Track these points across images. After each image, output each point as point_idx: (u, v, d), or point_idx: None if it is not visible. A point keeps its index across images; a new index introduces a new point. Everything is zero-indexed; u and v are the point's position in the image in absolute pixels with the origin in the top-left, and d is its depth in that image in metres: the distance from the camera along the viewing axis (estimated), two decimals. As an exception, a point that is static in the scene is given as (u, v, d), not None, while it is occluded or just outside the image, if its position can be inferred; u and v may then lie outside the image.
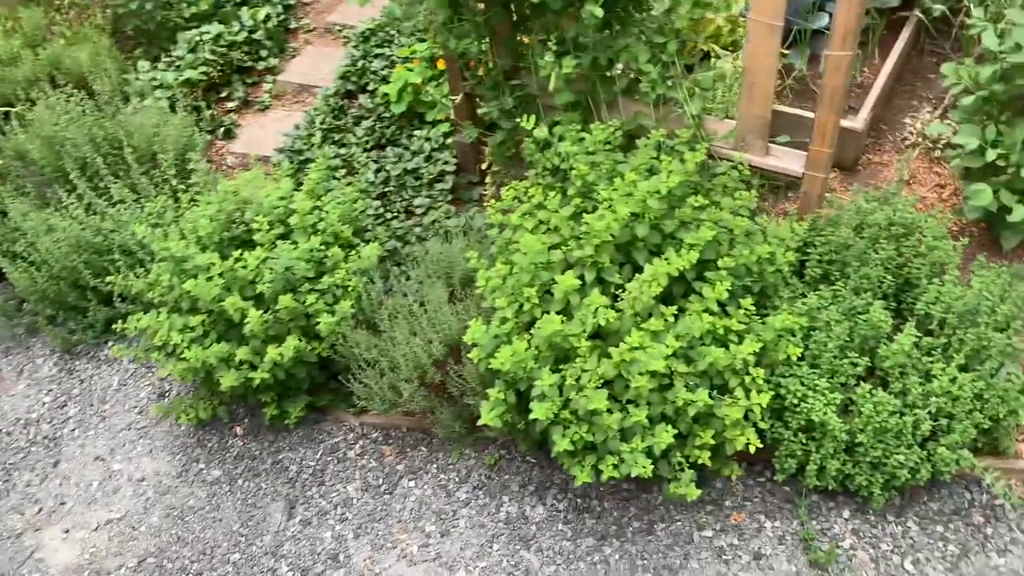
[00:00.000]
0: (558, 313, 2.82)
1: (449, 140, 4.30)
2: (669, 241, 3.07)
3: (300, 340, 3.08)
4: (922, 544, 3.04)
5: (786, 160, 3.46)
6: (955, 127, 3.62)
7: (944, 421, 2.96)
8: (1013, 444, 3.12)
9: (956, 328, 3.08)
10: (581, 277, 2.91)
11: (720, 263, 2.99)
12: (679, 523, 3.16)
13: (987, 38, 3.29)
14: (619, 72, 3.54)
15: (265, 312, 3.05)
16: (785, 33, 3.54)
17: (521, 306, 2.81)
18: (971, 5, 3.79)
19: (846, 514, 3.15)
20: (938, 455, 2.92)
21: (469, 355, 2.79)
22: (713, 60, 4.30)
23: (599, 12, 2.97)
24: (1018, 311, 3.17)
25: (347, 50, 5.06)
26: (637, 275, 2.87)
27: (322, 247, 3.20)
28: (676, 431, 2.75)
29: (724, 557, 3.07)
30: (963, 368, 3.05)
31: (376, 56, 4.86)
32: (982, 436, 3.06)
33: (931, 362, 3.03)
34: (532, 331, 2.75)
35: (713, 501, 3.21)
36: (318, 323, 3.05)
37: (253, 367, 3.07)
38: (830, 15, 4.48)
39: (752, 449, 2.79)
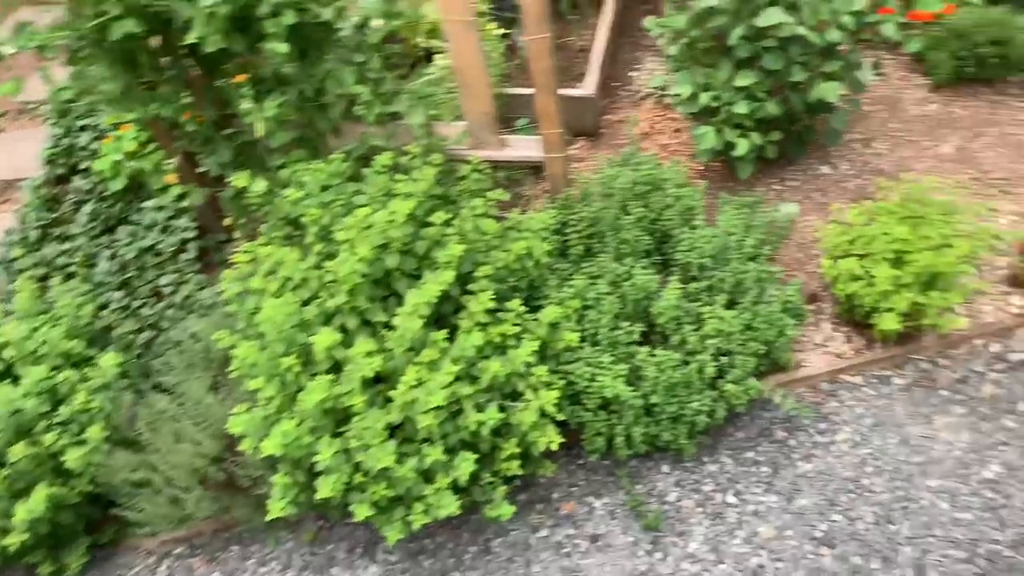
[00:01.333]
0: (328, 372, 2.68)
1: (184, 203, 3.98)
2: (426, 262, 2.99)
3: (53, 485, 2.73)
4: (738, 474, 3.19)
5: (524, 148, 3.48)
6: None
7: (725, 359, 3.11)
8: (791, 357, 3.34)
9: (713, 269, 3.23)
10: (343, 328, 2.77)
11: (479, 271, 2.95)
12: (514, 532, 3.14)
13: (673, -11, 3.44)
14: (334, 97, 3.40)
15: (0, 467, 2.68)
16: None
17: (284, 380, 2.63)
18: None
19: (665, 468, 3.25)
20: (728, 391, 3.07)
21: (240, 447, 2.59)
22: (436, 57, 4.25)
23: (284, 48, 2.81)
24: (763, 237, 3.39)
25: (48, 130, 4.55)
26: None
27: (52, 373, 2.85)
28: (478, 454, 2.70)
29: (564, 550, 3.09)
30: (730, 304, 3.21)
31: (82, 130, 4.40)
32: (763, 360, 3.25)
33: (700, 307, 3.17)
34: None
35: (542, 498, 3.22)
36: (66, 460, 2.71)
37: (4, 531, 2.70)
38: (538, -13, 4.55)
39: (554, 446, 2.79)
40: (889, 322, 3.02)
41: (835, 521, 2.94)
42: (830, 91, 3.17)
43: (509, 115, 4.19)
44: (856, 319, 3.32)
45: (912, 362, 3.30)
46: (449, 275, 2.83)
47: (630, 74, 4.49)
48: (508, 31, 4.41)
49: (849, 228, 3.23)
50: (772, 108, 3.31)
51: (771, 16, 3.02)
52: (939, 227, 3.11)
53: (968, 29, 3.82)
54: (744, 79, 3.22)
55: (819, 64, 3.25)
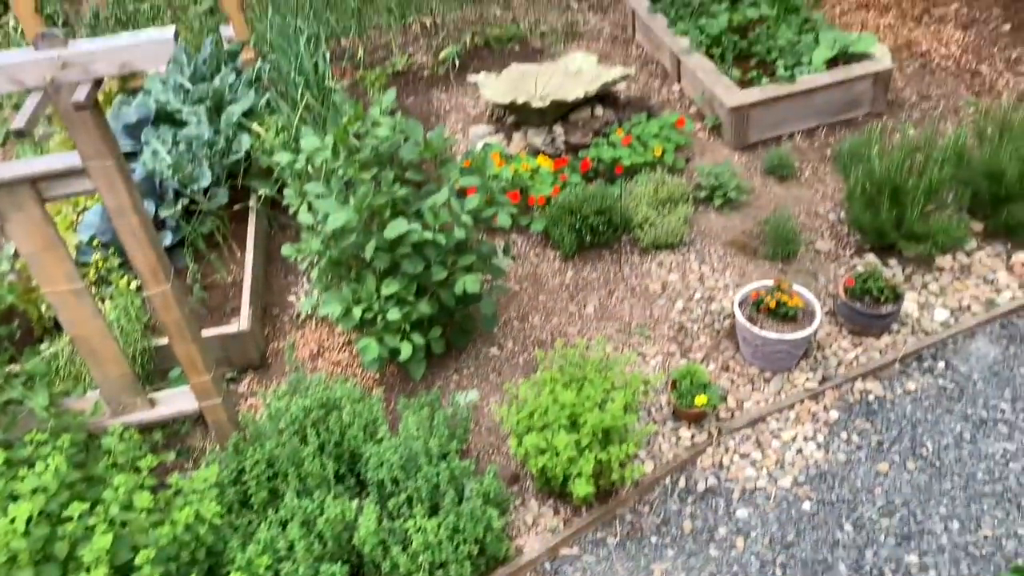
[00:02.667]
0: None
1: None
2: (73, 564, 2.51)
3: None
4: None
5: (177, 402, 3.19)
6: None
7: (440, 572, 2.96)
8: (509, 546, 3.28)
9: (407, 480, 3.13)
10: None
11: (140, 558, 2.54)
12: None
13: (302, 215, 3.52)
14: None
15: None
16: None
17: None
18: (287, 184, 4.06)
19: None
20: (452, 605, 2.89)
21: None
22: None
23: None
24: (450, 431, 3.39)
25: None
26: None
27: None
28: None
29: None
30: (433, 511, 3.11)
31: None
32: (480, 559, 3.15)
33: (403, 524, 3.02)
34: None
35: None
36: None
37: None
38: (172, 231, 4.42)
39: None
40: (582, 487, 3.12)
41: None
42: (471, 283, 3.38)
43: (163, 367, 3.88)
44: (556, 490, 3.40)
45: (618, 517, 3.41)
46: (101, 573, 2.39)
47: (289, 298, 4.45)
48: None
49: (524, 403, 3.36)
50: (424, 308, 3.43)
51: (397, 227, 3.19)
52: (599, 384, 3.35)
53: (576, 204, 4.39)
54: (390, 287, 3.32)
55: (456, 260, 3.47)
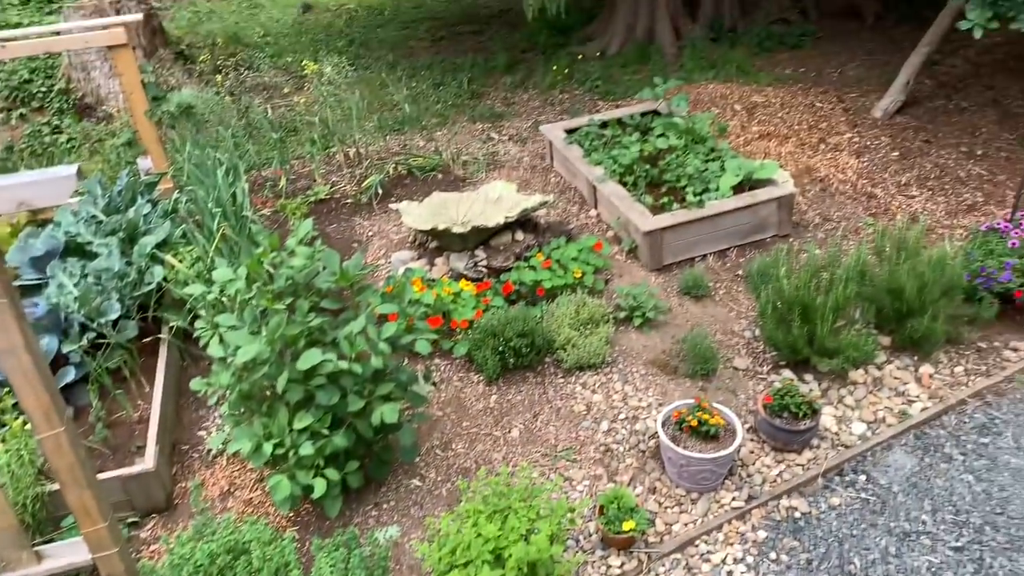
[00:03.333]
0: None
1: None
2: None
3: None
4: None
5: (68, 554, 2.96)
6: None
7: None
8: None
9: (321, 629, 2.93)
10: None
11: None
12: None
13: (213, 347, 3.43)
14: None
15: None
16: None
17: None
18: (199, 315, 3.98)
19: None
20: None
21: None
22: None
23: None
24: (369, 571, 3.22)
25: None
26: None
27: None
28: None
29: None
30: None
31: None
32: None
33: None
34: None
35: None
36: None
37: None
38: (76, 366, 4.24)
39: None
40: (507, 626, 2.97)
41: None
42: (390, 413, 3.31)
43: (57, 514, 3.61)
44: (481, 631, 3.22)
45: (546, 656, 3.24)
46: None
47: (199, 433, 4.26)
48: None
49: (446, 538, 3.23)
50: (340, 441, 3.32)
51: (311, 357, 3.13)
52: (524, 514, 3.26)
53: (499, 327, 4.41)
54: (302, 421, 3.22)
55: (374, 389, 3.40)
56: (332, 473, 3.32)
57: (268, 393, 3.37)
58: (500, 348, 4.40)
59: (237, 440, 3.34)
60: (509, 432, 4.22)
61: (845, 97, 7.25)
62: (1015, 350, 4.64)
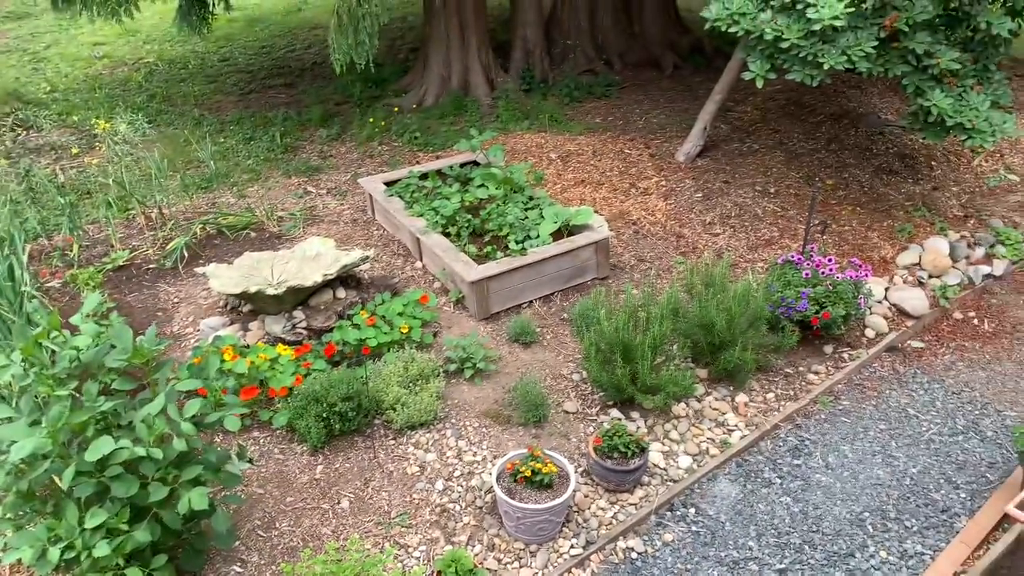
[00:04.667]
0: None
1: None
2: None
3: None
4: None
5: None
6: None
7: None
8: None
9: None
10: None
11: None
12: None
13: (-18, 444, 3.02)
14: None
15: None
16: None
17: None
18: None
19: None
20: None
21: None
22: None
23: None
24: None
25: None
26: None
27: None
28: None
29: None
30: None
31: None
32: None
33: None
34: None
35: None
36: None
37: None
38: None
39: None
40: None
41: None
42: (198, 499, 3.05)
43: None
44: None
45: None
46: None
47: (-26, 544, 3.74)
48: None
49: (270, 630, 3.00)
50: (142, 536, 3.01)
51: (102, 446, 2.83)
52: (354, 592, 3.10)
53: (322, 392, 4.23)
54: (96, 518, 2.89)
55: (179, 474, 3.13)
56: (135, 573, 3.00)
57: (53, 490, 3.00)
58: (324, 414, 4.21)
59: (16, 549, 2.94)
60: (338, 503, 4.03)
61: (651, 143, 7.74)
62: (816, 373, 5.05)
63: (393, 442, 4.38)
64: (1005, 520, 3.90)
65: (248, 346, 4.73)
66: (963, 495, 4.21)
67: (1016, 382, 5.05)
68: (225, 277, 4.98)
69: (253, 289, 4.70)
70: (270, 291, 4.74)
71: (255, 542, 3.79)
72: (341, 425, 4.26)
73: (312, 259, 5.26)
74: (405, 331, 4.88)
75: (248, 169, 7.58)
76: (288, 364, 4.49)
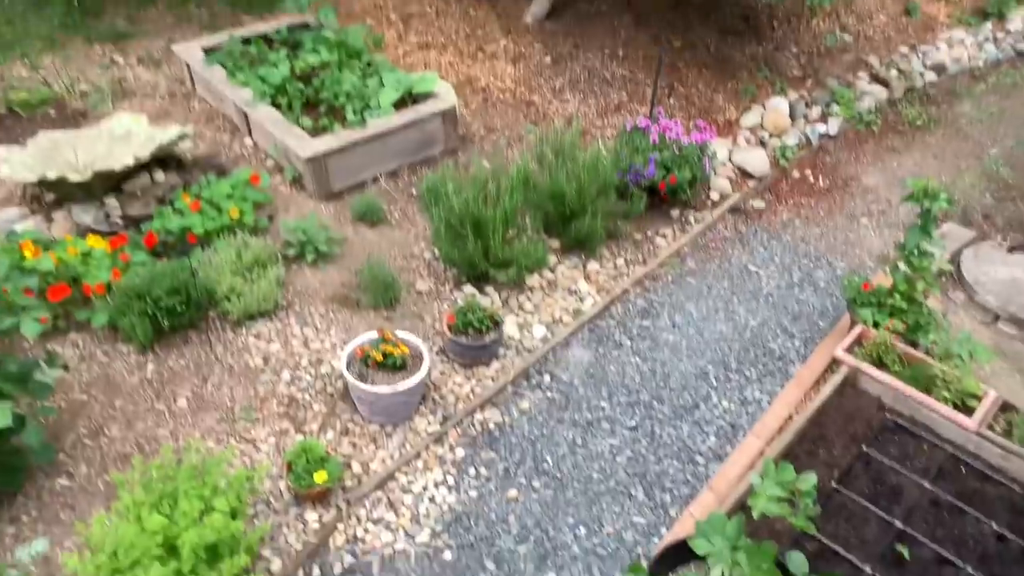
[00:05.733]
0: None
1: None
2: None
3: None
4: None
5: None
6: None
7: None
8: None
9: None
10: None
11: None
12: None
13: None
14: None
15: None
16: None
17: None
18: None
19: None
20: None
21: None
22: None
23: None
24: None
25: None
26: None
27: None
28: None
29: None
30: None
31: None
32: None
33: None
34: None
35: None
36: None
37: None
38: None
39: None
40: (191, 623, 2.68)
41: None
42: (0, 416, 2.74)
43: None
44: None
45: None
46: None
47: None
48: None
49: (102, 542, 2.81)
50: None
51: None
52: (195, 493, 2.94)
53: (145, 286, 3.89)
54: None
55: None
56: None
57: None
58: (149, 310, 3.88)
59: None
60: (175, 403, 3.79)
61: (497, 4, 7.39)
62: (664, 237, 5.16)
63: (232, 335, 4.13)
64: (834, 363, 4.20)
65: (55, 240, 4.24)
66: (798, 343, 4.50)
67: (846, 234, 5.38)
68: (18, 161, 4.40)
69: (53, 175, 4.17)
70: (74, 177, 4.23)
71: (82, 452, 3.52)
72: (170, 321, 3.95)
73: (122, 139, 4.72)
74: (235, 215, 4.52)
75: (41, 36, 6.64)
76: (103, 258, 4.08)
